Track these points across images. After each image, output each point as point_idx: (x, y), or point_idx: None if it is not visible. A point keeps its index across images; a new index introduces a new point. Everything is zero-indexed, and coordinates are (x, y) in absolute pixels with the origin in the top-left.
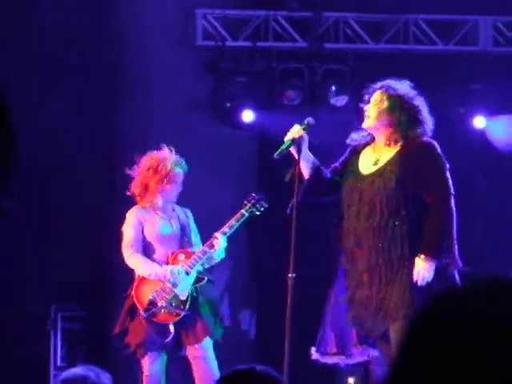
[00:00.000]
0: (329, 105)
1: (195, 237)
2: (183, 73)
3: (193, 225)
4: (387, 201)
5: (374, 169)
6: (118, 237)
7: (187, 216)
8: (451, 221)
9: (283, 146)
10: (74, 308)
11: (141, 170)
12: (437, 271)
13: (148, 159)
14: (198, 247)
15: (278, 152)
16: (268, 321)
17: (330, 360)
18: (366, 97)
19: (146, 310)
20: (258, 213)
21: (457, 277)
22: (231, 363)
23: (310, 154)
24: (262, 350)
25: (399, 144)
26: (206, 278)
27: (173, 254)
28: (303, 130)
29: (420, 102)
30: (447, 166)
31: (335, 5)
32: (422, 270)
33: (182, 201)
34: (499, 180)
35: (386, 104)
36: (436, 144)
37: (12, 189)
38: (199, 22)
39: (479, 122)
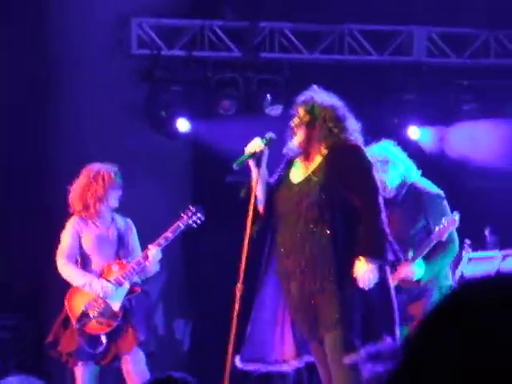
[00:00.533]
0: (264, 114)
1: (136, 247)
2: (118, 81)
3: (134, 234)
4: (312, 208)
5: (302, 177)
6: (53, 245)
7: (128, 226)
8: (382, 219)
9: (242, 158)
10: (7, 317)
11: (79, 182)
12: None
13: (85, 172)
14: (137, 256)
15: (237, 162)
16: (202, 331)
17: (250, 367)
18: (292, 112)
19: (78, 321)
20: (194, 225)
21: (388, 275)
22: (164, 372)
23: (266, 171)
24: (196, 360)
25: (325, 151)
26: (140, 289)
27: (108, 264)
28: (264, 144)
29: (341, 108)
30: (372, 165)
31: (270, 15)
32: (366, 272)
33: (118, 210)
34: None
35: (306, 119)
36: (360, 145)
37: None
38: (134, 30)
39: (413, 132)
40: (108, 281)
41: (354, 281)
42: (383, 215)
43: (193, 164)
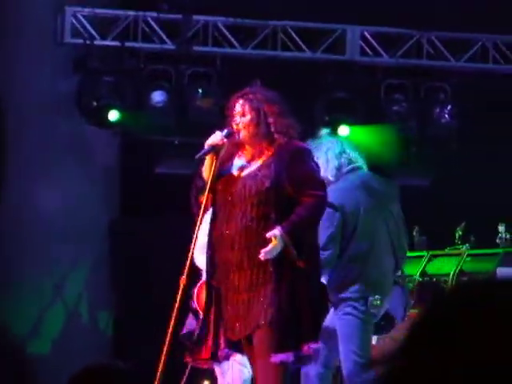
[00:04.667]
0: (195, 107)
1: None
2: (50, 70)
3: None
4: (258, 204)
5: (246, 171)
6: None
7: None
8: (318, 221)
9: (205, 151)
10: None
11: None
12: (304, 278)
13: None
14: None
15: (199, 155)
16: (125, 322)
17: (204, 365)
18: (231, 107)
19: None
20: None
21: (324, 285)
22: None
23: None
24: (119, 350)
25: (272, 146)
26: None
27: None
28: (225, 137)
29: (282, 104)
30: (319, 168)
31: (205, 8)
32: (272, 243)
33: (46, 199)
34: None
35: (251, 115)
36: (307, 147)
37: None
38: (68, 19)
39: (343, 130)
40: None
41: (291, 280)
42: (319, 219)
43: (122, 155)
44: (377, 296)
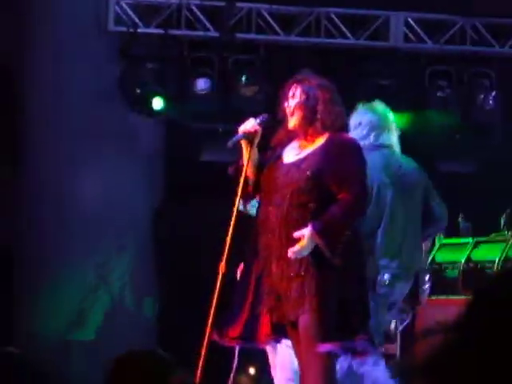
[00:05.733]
0: (239, 95)
1: None
2: (95, 58)
3: None
4: (298, 192)
5: (294, 159)
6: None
7: None
8: (354, 220)
9: (237, 137)
10: None
11: None
12: (343, 273)
13: None
14: None
15: (231, 141)
16: (170, 308)
17: (227, 343)
18: (284, 92)
19: None
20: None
21: (366, 268)
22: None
23: (257, 151)
24: (163, 337)
25: (322, 137)
26: None
27: None
28: (258, 125)
29: (335, 95)
30: (365, 164)
31: None
32: (303, 241)
33: (88, 188)
34: None
35: (301, 98)
36: (357, 142)
37: None
38: (112, 7)
39: None
40: None
41: (333, 268)
42: (355, 220)
43: (166, 142)
44: (386, 275)
